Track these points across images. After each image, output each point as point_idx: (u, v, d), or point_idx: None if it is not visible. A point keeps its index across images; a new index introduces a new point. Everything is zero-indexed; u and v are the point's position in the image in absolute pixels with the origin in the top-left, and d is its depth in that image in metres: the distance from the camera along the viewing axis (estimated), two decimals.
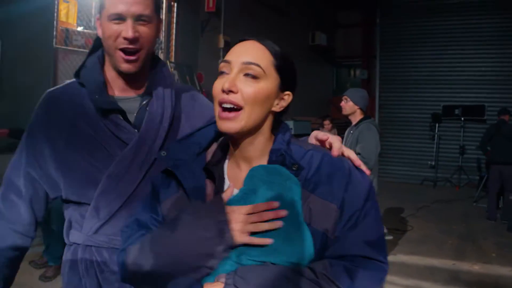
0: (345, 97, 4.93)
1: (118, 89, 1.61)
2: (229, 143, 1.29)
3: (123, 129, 1.53)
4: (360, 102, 4.86)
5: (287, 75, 1.25)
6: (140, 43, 1.49)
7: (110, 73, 1.60)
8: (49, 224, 4.65)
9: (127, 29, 1.45)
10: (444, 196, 10.29)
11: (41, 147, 1.57)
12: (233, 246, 1.12)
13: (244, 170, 1.25)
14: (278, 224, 1.11)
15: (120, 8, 1.44)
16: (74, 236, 1.57)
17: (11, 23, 5.23)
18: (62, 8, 5.95)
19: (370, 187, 1.22)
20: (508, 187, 7.94)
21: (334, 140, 1.31)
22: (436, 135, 12.05)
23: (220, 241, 1.11)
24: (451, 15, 12.07)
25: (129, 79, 1.58)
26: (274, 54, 1.23)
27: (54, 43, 5.83)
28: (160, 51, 6.92)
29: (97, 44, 1.64)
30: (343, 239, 1.16)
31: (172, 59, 7.48)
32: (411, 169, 12.29)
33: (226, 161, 1.32)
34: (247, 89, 1.17)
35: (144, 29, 1.49)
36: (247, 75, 1.18)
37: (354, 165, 1.25)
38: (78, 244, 1.55)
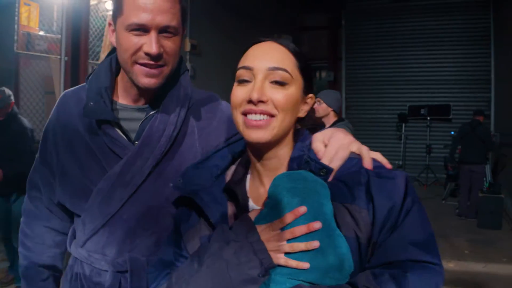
0: (318, 99, 4.85)
1: (129, 98, 1.46)
2: (251, 158, 1.18)
3: (116, 142, 1.39)
4: (333, 104, 4.82)
5: (310, 76, 1.16)
6: (164, 59, 1.31)
7: (124, 80, 1.44)
8: (11, 241, 4.51)
9: (150, 43, 1.26)
10: None
11: (50, 149, 1.51)
12: (270, 269, 1.00)
13: (267, 185, 1.11)
14: (315, 244, 0.98)
15: (144, 17, 1.24)
16: (71, 246, 1.53)
17: None
18: (23, 11, 5.66)
19: (406, 183, 1.04)
20: (476, 186, 8.12)
21: (359, 149, 1.14)
22: (402, 135, 12.20)
23: (255, 264, 0.99)
24: (416, 17, 12.28)
25: (145, 90, 1.40)
26: (297, 55, 1.13)
27: (15, 47, 5.55)
28: None
29: (115, 49, 1.46)
30: (385, 244, 1.00)
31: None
32: None
33: (248, 179, 1.21)
34: (277, 97, 1.06)
35: (169, 44, 1.31)
36: (274, 82, 1.07)
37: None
38: (70, 254, 1.52)
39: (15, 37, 5.55)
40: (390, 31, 12.60)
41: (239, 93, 1.09)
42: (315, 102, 1.21)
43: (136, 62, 1.30)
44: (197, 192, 1.15)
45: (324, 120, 4.92)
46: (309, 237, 0.99)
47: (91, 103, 1.37)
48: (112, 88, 1.45)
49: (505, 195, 7.97)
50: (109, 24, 1.38)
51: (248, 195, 1.17)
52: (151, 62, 1.29)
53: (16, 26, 5.54)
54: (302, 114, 1.16)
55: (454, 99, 11.89)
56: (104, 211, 1.39)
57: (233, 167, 1.24)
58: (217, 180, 1.20)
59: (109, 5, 6.92)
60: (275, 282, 0.99)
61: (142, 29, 1.26)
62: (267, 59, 1.08)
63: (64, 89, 4.91)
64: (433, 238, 1.02)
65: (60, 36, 5.38)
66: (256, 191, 1.17)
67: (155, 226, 1.41)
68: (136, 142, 1.40)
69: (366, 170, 1.06)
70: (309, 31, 14.01)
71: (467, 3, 11.81)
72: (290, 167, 1.10)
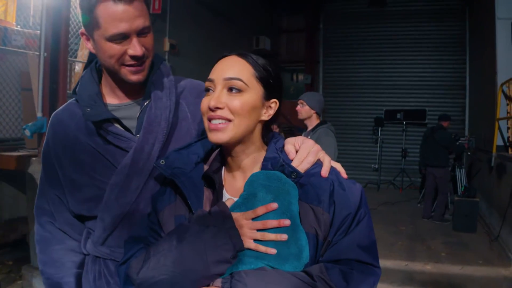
0: (301, 101, 4.82)
1: (117, 97, 1.55)
2: (224, 153, 1.33)
3: (121, 137, 1.47)
4: (316, 107, 4.78)
5: (271, 84, 1.28)
6: (146, 55, 1.43)
7: (109, 83, 1.53)
8: None
9: (134, 47, 1.38)
10: (388, 198, 10.50)
11: (52, 170, 1.56)
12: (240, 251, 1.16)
13: (238, 179, 1.31)
14: (284, 237, 1.16)
15: (122, 27, 1.34)
16: (87, 246, 1.56)
17: None
18: (0, 6, 5.58)
19: (362, 194, 1.25)
20: (440, 189, 8.32)
21: (323, 157, 1.32)
22: (379, 139, 12.35)
23: (230, 247, 1.15)
24: (393, 22, 12.49)
25: (131, 86, 1.51)
26: (255, 66, 1.25)
27: None
28: None
29: (92, 55, 1.56)
30: (338, 244, 1.19)
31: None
32: (355, 172, 12.44)
33: (223, 170, 1.37)
34: (232, 103, 1.21)
35: (147, 41, 1.42)
36: (230, 89, 1.22)
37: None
38: (89, 254, 1.54)
39: None
40: (367, 35, 12.76)
41: (204, 101, 1.25)
42: (279, 106, 1.32)
43: (122, 65, 1.41)
44: (178, 174, 1.30)
45: (306, 122, 4.88)
46: (277, 229, 1.16)
47: (88, 109, 1.46)
48: (100, 93, 1.54)
49: (480, 199, 8.10)
50: (82, 34, 1.46)
51: (223, 184, 1.34)
52: (137, 62, 1.42)
53: None
54: (266, 117, 1.29)
55: (430, 104, 12.10)
56: (122, 202, 1.47)
57: (211, 158, 1.38)
58: (196, 166, 1.34)
59: None
60: (243, 263, 1.16)
61: (122, 37, 1.36)
62: (226, 70, 1.23)
63: (43, 86, 4.84)
64: (375, 245, 1.25)
65: (38, 32, 5.28)
66: (229, 182, 1.33)
67: None
68: (138, 135, 1.48)
69: (333, 180, 1.24)
70: (287, 33, 14.09)
71: (443, 10, 12.03)
72: (264, 166, 1.27)
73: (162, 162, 1.33)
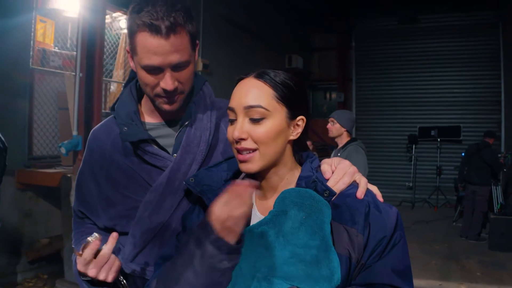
0: (332, 119, 4.87)
1: (156, 117, 1.58)
2: (255, 175, 1.29)
3: (157, 156, 1.49)
4: (347, 124, 4.81)
5: (294, 101, 1.24)
6: (180, 89, 1.43)
7: (147, 103, 1.57)
8: None
9: (166, 81, 1.38)
10: (423, 216, 10.31)
11: (88, 186, 1.58)
12: (232, 250, 1.09)
13: (270, 198, 1.28)
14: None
15: (156, 60, 1.35)
16: None
17: None
18: (39, 28, 5.84)
19: (398, 218, 1.21)
20: (478, 207, 8.14)
21: (359, 179, 1.28)
22: (413, 157, 12.16)
23: (217, 252, 1.08)
24: (425, 38, 12.31)
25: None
26: (274, 86, 1.21)
27: (30, 63, 5.71)
28: None
29: (133, 75, 1.60)
30: (371, 267, 1.15)
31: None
32: (388, 190, 12.24)
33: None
34: (255, 133, 1.18)
35: (182, 75, 1.42)
36: (252, 119, 1.19)
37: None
38: None
39: (31, 53, 5.68)
40: (400, 52, 12.64)
41: (229, 132, 1.23)
42: (307, 122, 1.28)
43: (157, 96, 1.43)
44: (206, 192, 1.29)
45: (337, 140, 4.90)
46: (308, 249, 1.12)
47: (125, 128, 1.48)
48: (138, 112, 1.57)
49: None
50: (128, 52, 1.47)
51: (254, 202, 1.30)
52: (170, 95, 1.43)
53: (31, 43, 5.68)
54: (294, 136, 1.26)
55: (465, 120, 11.86)
56: (155, 220, 1.48)
57: (242, 175, 1.36)
58: (225, 184, 1.31)
59: (123, 24, 7.01)
60: (273, 284, 1.11)
61: (156, 69, 1.37)
62: (244, 98, 1.20)
63: (78, 105, 4.99)
64: (410, 269, 1.19)
65: (74, 53, 5.46)
66: (260, 201, 1.31)
67: None
68: (175, 155, 1.50)
69: (369, 201, 1.19)
70: (319, 52, 14.07)
71: (476, 25, 11.83)
72: (298, 184, 1.23)
73: (192, 179, 1.33)
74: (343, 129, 4.81)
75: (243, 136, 1.18)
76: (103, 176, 1.54)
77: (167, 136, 1.55)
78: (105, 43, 6.20)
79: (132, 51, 1.41)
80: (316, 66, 14.18)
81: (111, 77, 7.03)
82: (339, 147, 4.87)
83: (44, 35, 5.95)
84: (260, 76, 1.22)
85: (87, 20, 5.11)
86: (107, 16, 6.38)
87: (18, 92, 5.57)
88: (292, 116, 1.23)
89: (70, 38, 6.41)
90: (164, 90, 1.40)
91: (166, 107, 1.46)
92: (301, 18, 12.39)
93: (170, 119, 1.57)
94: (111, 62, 7.04)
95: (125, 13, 6.33)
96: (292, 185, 1.25)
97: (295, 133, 1.25)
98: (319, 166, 1.30)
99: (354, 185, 1.25)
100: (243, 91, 1.21)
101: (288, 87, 1.22)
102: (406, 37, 12.52)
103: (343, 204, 1.19)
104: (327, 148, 10.12)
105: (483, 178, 8.12)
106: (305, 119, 1.27)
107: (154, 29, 1.31)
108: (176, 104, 1.47)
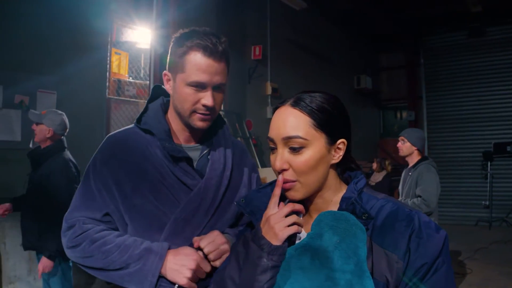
0: (402, 138, 4.83)
1: (182, 138, 1.71)
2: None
3: (189, 175, 1.62)
4: (417, 143, 4.76)
5: (332, 127, 1.23)
6: (215, 109, 1.61)
7: (175, 123, 1.70)
8: None
9: (208, 98, 1.55)
10: (501, 236, 9.94)
11: (110, 189, 1.60)
12: (271, 250, 1.17)
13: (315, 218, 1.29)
14: (298, 207, 1.24)
15: (204, 77, 1.53)
16: None
17: (67, 77, 5.35)
18: (114, 60, 6.23)
19: (444, 243, 1.14)
20: None
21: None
22: (488, 174, 11.76)
23: (261, 252, 1.18)
24: (494, 51, 11.99)
25: (194, 130, 1.68)
26: (311, 113, 1.20)
27: (106, 93, 6.07)
28: None
29: (157, 93, 1.78)
30: None
31: (222, 107, 7.57)
32: (464, 210, 11.95)
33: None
34: (295, 163, 1.20)
35: (219, 96, 1.61)
36: (291, 149, 1.20)
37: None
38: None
39: (107, 84, 6.07)
40: (469, 67, 12.35)
41: (272, 160, 1.26)
42: (348, 144, 1.27)
43: (195, 111, 1.59)
44: (255, 212, 1.33)
45: (407, 159, 4.85)
46: (342, 272, 1.11)
47: (167, 144, 1.62)
48: (170, 132, 1.70)
49: None
50: (164, 75, 1.66)
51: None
52: (207, 112, 1.59)
53: (107, 74, 6.09)
54: (336, 160, 1.25)
55: None
56: (188, 236, 1.58)
57: (287, 201, 1.34)
58: None
59: None
60: None
61: (201, 86, 1.55)
62: (282, 128, 1.21)
63: None
64: None
65: (147, 82, 5.73)
66: (306, 221, 1.31)
67: None
68: (205, 176, 1.65)
69: (414, 224, 1.15)
70: (388, 71, 13.98)
71: None
72: (340, 206, 1.22)
73: (242, 200, 1.36)
74: (414, 148, 4.76)
75: (285, 167, 1.20)
76: (130, 184, 1.59)
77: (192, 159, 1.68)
78: None
79: (179, 69, 1.57)
80: (385, 85, 14.07)
81: None
82: (410, 166, 4.83)
83: (119, 66, 6.31)
84: (296, 104, 1.22)
85: (158, 51, 5.39)
86: None
87: (95, 121, 5.90)
88: (332, 141, 1.23)
89: (143, 68, 6.73)
90: (205, 106, 1.56)
91: (200, 124, 1.60)
92: (368, 39, 12.36)
93: (193, 144, 1.73)
94: None
95: None
96: (336, 206, 1.24)
97: (337, 156, 1.25)
98: (365, 186, 1.28)
99: (398, 203, 1.23)
100: (280, 121, 1.22)
101: (325, 112, 1.21)
102: (475, 51, 12.24)
103: (388, 226, 1.16)
104: (399, 168, 9.90)
105: None
106: (345, 142, 1.25)
107: (209, 51, 1.53)
108: (207, 122, 1.62)
